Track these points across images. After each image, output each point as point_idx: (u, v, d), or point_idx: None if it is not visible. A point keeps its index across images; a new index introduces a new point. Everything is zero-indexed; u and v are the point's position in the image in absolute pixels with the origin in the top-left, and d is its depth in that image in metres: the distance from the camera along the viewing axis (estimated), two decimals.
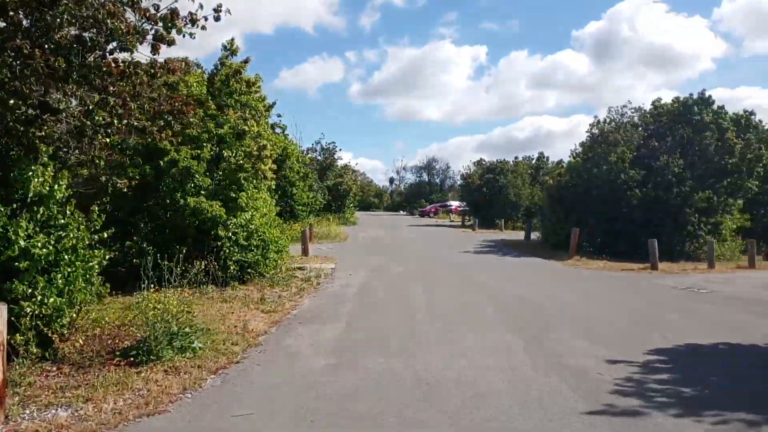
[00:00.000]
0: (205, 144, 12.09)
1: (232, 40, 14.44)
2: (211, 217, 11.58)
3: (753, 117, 22.96)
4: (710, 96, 22.19)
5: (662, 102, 24.19)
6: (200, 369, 6.50)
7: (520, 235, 33.26)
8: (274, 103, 14.92)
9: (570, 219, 23.63)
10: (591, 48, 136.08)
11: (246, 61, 14.79)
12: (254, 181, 13.01)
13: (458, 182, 56.91)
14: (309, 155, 35.64)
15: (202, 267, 11.25)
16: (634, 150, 22.38)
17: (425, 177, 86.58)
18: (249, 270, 12.41)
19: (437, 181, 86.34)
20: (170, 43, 7.07)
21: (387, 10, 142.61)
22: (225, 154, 12.20)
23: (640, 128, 24.38)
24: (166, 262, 8.39)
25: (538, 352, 7.34)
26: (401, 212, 74.32)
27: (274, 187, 13.94)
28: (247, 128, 12.36)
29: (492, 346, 7.58)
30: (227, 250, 11.98)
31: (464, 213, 46.70)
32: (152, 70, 7.20)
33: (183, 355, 6.97)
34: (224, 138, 12.47)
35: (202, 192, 11.88)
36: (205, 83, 12.94)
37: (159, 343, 6.90)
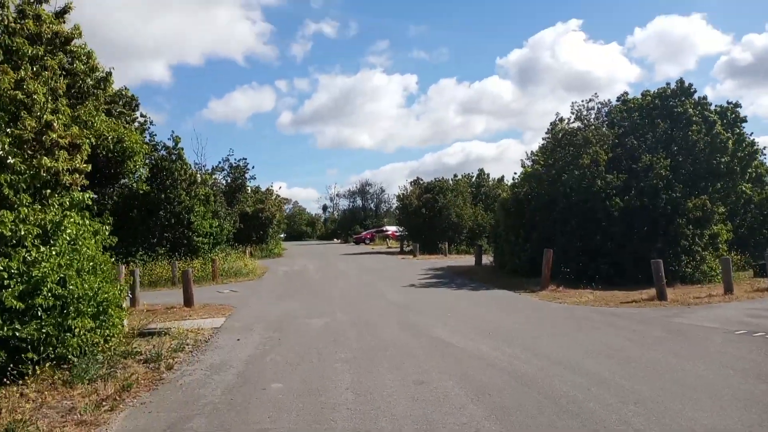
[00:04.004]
0: None
1: None
2: None
3: (738, 110, 19.45)
4: (691, 85, 18.53)
5: (630, 97, 20.50)
6: None
7: (467, 259, 28.83)
8: (110, 72, 9.49)
9: (532, 238, 19.27)
10: (515, 75, 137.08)
11: (65, 11, 9.53)
12: (54, 193, 7.47)
13: (394, 205, 52.32)
14: (215, 175, 29.61)
15: None
16: (609, 151, 18.29)
17: (359, 202, 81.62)
18: (31, 354, 6.75)
19: (372, 205, 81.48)
20: None
21: (318, 39, 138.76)
22: None
23: (606, 125, 20.47)
24: None
25: None
26: (335, 240, 69.23)
27: (90, 201, 8.26)
28: (22, 96, 6.85)
29: None
30: None
31: (402, 238, 42.04)
32: None
33: None
34: None
35: None
36: None
37: None
